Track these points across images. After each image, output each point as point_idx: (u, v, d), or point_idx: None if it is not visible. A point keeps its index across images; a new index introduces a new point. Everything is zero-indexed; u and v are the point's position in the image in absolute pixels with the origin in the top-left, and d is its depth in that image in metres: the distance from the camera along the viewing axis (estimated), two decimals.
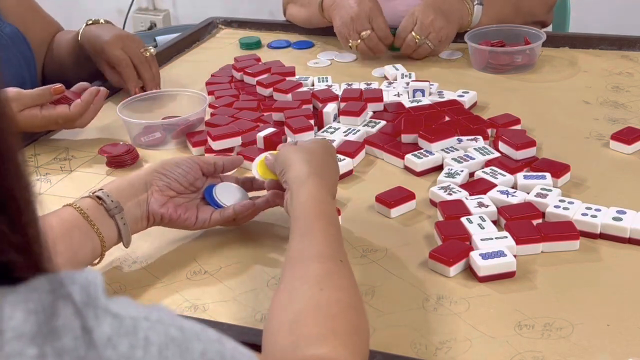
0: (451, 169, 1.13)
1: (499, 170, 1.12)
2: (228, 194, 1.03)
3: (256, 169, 1.04)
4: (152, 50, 1.51)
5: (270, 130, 1.26)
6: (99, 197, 0.92)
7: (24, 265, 0.36)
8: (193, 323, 0.44)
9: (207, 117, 1.35)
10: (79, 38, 1.51)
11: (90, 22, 1.53)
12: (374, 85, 1.46)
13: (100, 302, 0.37)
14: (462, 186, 1.09)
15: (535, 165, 1.13)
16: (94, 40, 1.48)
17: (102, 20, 1.54)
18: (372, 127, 1.28)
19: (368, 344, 0.72)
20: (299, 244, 0.82)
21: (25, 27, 1.53)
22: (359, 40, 1.58)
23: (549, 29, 1.83)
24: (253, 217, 1.04)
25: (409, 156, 1.17)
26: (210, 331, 0.44)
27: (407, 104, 1.36)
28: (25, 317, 0.32)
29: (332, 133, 1.27)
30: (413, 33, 1.55)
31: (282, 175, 0.95)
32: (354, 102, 1.34)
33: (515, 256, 0.93)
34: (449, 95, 1.39)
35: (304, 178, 0.90)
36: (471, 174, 1.13)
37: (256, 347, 0.73)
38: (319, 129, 1.29)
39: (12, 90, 1.27)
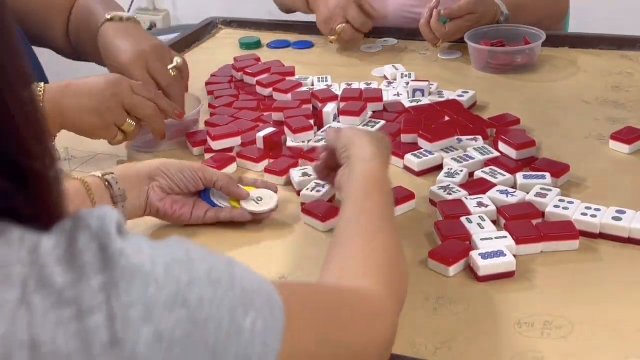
0: (451, 169, 1.13)
1: (499, 170, 1.12)
2: (223, 195, 1.06)
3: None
4: (179, 61, 1.30)
5: (270, 130, 1.26)
6: (107, 182, 0.95)
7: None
8: (203, 249, 0.47)
9: (202, 119, 1.34)
10: (98, 39, 1.32)
11: (109, 17, 1.31)
12: (374, 85, 1.46)
13: (112, 229, 0.43)
14: (462, 186, 1.09)
15: (535, 165, 1.13)
16: (112, 55, 1.28)
17: (124, 16, 1.32)
18: (372, 127, 1.28)
19: (404, 296, 0.76)
20: (353, 208, 0.83)
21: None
22: (335, 36, 1.63)
23: None
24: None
25: (408, 156, 1.17)
26: (220, 256, 0.48)
27: (407, 104, 1.36)
28: (55, 244, 0.41)
29: None
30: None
31: (345, 151, 0.95)
32: (354, 102, 1.34)
33: (515, 256, 0.93)
34: (448, 95, 1.39)
35: (368, 157, 0.91)
36: (471, 174, 1.13)
37: None
38: (318, 129, 1.29)
39: None
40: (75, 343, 0.37)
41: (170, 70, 1.28)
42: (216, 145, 1.24)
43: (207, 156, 1.24)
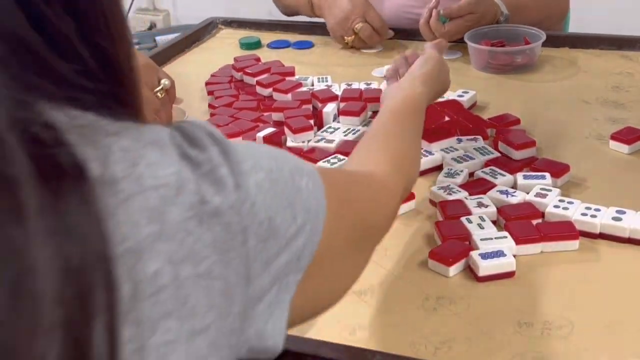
0: (451, 169, 1.13)
1: (499, 170, 1.12)
2: None
3: None
4: (166, 83, 1.28)
5: (270, 130, 1.26)
6: None
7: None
8: None
9: (202, 119, 1.34)
10: None
11: None
12: (374, 85, 1.46)
13: (206, 124, 0.56)
14: (462, 186, 1.09)
15: (535, 165, 1.13)
16: None
17: None
18: None
19: (412, 182, 0.89)
20: (384, 115, 0.98)
21: None
22: (353, 36, 1.64)
23: None
24: None
25: None
26: None
27: None
28: (180, 136, 0.53)
29: (331, 133, 1.27)
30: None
31: (410, 72, 1.12)
32: (354, 102, 1.34)
33: (515, 256, 0.93)
34: (448, 95, 1.39)
35: (418, 91, 1.05)
36: (471, 174, 1.13)
37: None
38: (318, 129, 1.29)
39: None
40: (214, 186, 0.52)
41: (158, 93, 1.25)
42: None
43: None
